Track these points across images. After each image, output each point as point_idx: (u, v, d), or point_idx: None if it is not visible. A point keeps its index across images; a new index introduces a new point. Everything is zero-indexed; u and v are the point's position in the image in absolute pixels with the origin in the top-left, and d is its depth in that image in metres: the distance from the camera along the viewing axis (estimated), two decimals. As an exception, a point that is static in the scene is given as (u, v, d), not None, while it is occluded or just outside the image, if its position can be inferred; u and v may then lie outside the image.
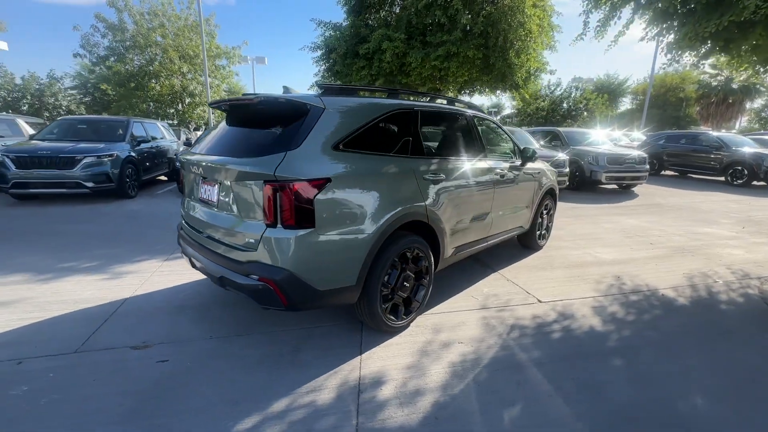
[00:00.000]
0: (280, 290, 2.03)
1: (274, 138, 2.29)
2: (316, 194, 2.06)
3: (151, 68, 16.93)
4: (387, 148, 2.55)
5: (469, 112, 3.48)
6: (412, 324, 2.75)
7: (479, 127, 3.56)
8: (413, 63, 11.54)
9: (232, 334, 2.57)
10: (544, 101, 23.05)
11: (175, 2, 17.51)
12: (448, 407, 1.93)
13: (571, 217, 6.40)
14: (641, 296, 3.36)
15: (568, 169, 8.06)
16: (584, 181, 8.71)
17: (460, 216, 3.11)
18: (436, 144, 3.33)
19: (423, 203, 2.63)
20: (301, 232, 2.04)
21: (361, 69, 11.94)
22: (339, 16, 26.63)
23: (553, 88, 23.48)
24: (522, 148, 3.98)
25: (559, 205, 6.15)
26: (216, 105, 2.76)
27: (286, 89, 2.84)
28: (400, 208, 2.45)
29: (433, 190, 2.75)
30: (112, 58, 17.10)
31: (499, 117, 28.48)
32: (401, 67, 11.90)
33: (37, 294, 3.11)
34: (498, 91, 14.21)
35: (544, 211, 4.58)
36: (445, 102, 3.40)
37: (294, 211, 2.01)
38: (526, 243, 4.56)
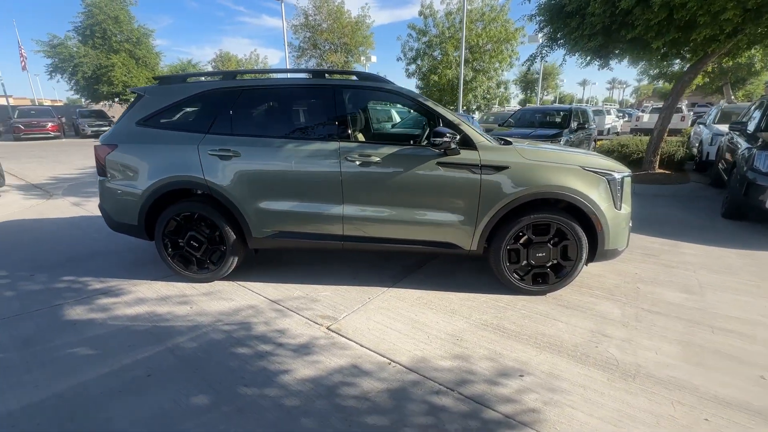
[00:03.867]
0: (102, 214, 3.21)
1: None
2: (107, 154, 3.00)
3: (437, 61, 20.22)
4: (184, 126, 2.97)
5: (337, 84, 2.92)
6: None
7: (349, 103, 2.88)
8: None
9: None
10: None
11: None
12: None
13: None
14: None
15: None
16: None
17: (272, 197, 2.89)
18: (247, 122, 3.04)
19: (201, 175, 2.86)
20: (101, 179, 3.09)
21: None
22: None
23: None
24: (437, 130, 2.67)
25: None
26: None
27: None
28: (169, 175, 2.89)
29: (217, 164, 2.85)
30: (418, 61, 21.83)
31: None
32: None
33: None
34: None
35: (532, 236, 2.78)
36: (310, 75, 3.02)
37: (97, 164, 3.08)
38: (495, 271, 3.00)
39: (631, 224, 2.97)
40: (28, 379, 2.01)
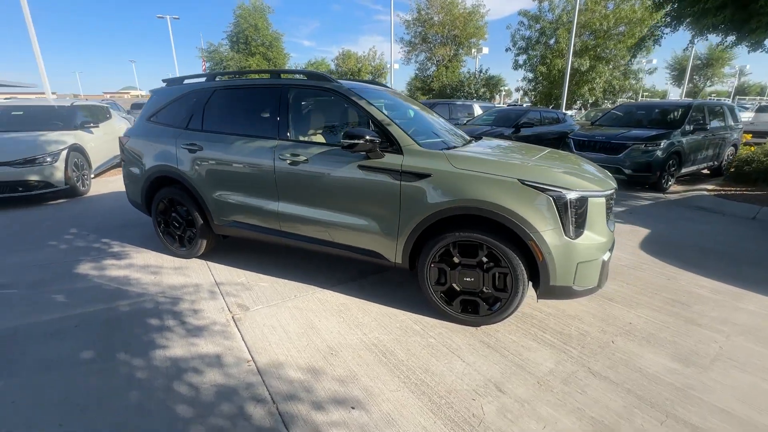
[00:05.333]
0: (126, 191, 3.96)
1: None
2: (125, 144, 3.68)
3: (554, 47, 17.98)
4: (172, 122, 3.41)
5: (287, 84, 2.97)
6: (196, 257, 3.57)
7: (294, 102, 2.89)
8: None
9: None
10: None
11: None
12: None
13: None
14: None
15: None
16: None
17: (226, 189, 3.14)
18: (214, 119, 3.25)
19: (176, 165, 3.28)
20: (123, 163, 3.79)
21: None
22: None
23: None
24: (348, 131, 2.44)
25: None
26: None
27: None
28: (156, 164, 3.39)
29: (187, 156, 3.22)
30: (529, 51, 19.81)
31: None
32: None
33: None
34: None
35: (458, 256, 2.39)
36: (269, 76, 3.12)
37: (120, 152, 3.79)
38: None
39: (606, 258, 2.29)
40: (10, 310, 2.69)
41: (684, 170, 7.20)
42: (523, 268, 2.26)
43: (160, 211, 3.57)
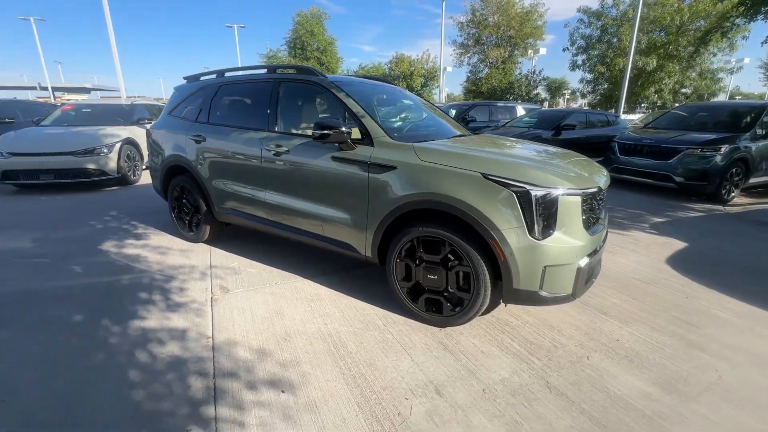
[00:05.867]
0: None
1: None
2: (149, 136, 4.05)
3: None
4: (186, 115, 3.69)
5: (279, 78, 3.08)
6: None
7: (284, 96, 2.98)
8: None
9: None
10: None
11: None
12: None
13: None
14: None
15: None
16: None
17: (223, 178, 3.32)
18: (218, 112, 3.44)
19: (185, 155, 3.54)
20: (149, 155, 4.17)
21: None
22: None
23: None
24: (317, 122, 2.48)
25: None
26: None
27: None
28: (171, 153, 3.69)
29: (193, 147, 3.46)
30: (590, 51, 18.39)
31: None
32: None
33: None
34: None
35: (422, 253, 2.32)
36: (265, 71, 3.25)
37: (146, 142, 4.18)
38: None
39: (583, 264, 2.08)
40: (37, 275, 3.08)
41: (753, 180, 6.26)
42: (485, 268, 2.12)
43: (174, 198, 3.88)
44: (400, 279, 2.46)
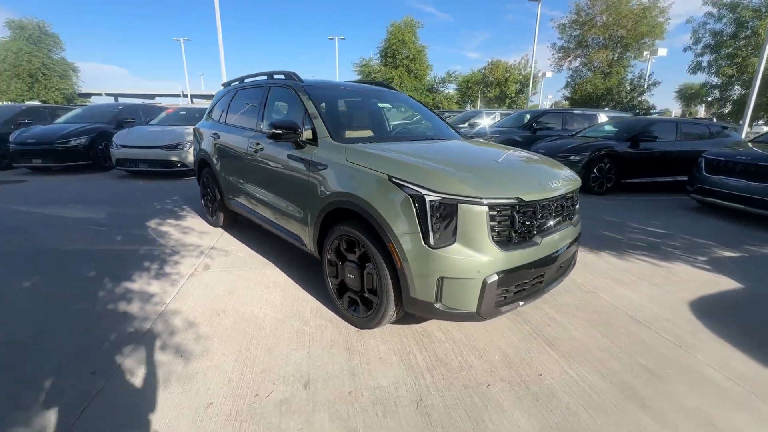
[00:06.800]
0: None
1: None
2: (194, 133, 4.76)
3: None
4: (214, 116, 4.27)
5: (272, 83, 3.38)
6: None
7: (270, 99, 3.28)
8: None
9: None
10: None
11: None
12: None
13: None
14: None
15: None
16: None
17: (228, 172, 3.77)
18: (231, 113, 3.87)
19: (207, 150, 4.10)
20: (193, 150, 4.91)
21: None
22: None
23: None
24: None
25: None
26: None
27: None
28: (200, 149, 4.31)
29: (211, 143, 4.00)
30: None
31: None
32: None
33: None
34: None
35: (344, 251, 2.36)
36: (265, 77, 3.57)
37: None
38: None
39: (491, 281, 1.89)
40: (91, 239, 3.91)
41: None
42: (387, 272, 2.07)
43: (203, 187, 4.52)
44: (331, 275, 2.53)
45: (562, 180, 2.30)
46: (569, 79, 26.43)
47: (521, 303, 2.08)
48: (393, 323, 2.41)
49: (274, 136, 2.66)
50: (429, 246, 1.89)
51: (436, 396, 1.84)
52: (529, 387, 1.91)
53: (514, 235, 1.98)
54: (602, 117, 9.97)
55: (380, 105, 3.53)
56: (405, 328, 2.42)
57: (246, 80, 4.10)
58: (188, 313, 2.55)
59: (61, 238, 3.95)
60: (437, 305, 1.94)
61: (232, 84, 4.35)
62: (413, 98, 3.85)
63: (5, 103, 22.62)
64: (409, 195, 1.92)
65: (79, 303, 2.65)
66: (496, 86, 33.70)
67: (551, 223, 2.18)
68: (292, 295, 2.85)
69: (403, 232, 1.94)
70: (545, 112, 10.31)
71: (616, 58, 23.75)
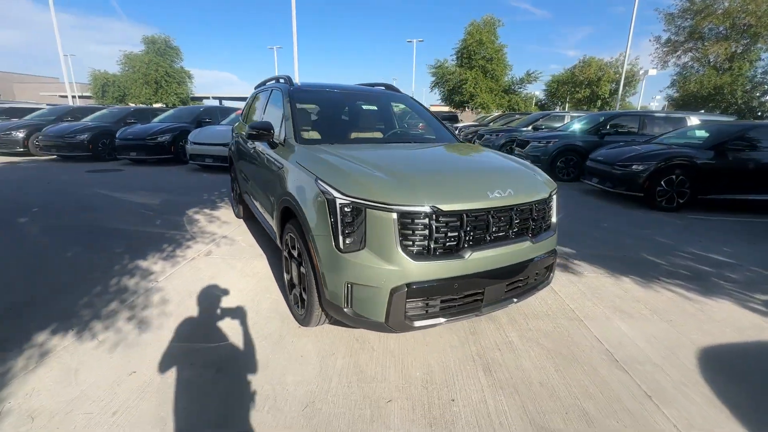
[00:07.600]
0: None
1: None
2: (232, 132, 5.27)
3: None
4: (242, 116, 4.67)
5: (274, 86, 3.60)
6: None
7: (270, 101, 3.50)
8: None
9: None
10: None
11: None
12: None
13: None
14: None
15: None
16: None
17: (240, 169, 4.10)
18: (250, 113, 4.15)
19: (231, 148, 4.52)
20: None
21: None
22: None
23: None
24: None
25: None
26: None
27: None
28: (229, 148, 4.77)
29: (233, 140, 4.38)
30: None
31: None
32: None
33: None
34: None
35: (293, 249, 2.44)
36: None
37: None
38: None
39: (401, 292, 1.80)
40: (136, 221, 4.59)
41: None
42: (312, 273, 2.09)
43: (231, 181, 4.99)
44: (285, 271, 2.63)
45: (520, 188, 2.07)
46: (675, 77, 22.90)
47: (443, 320, 1.93)
48: (336, 325, 2.41)
49: (250, 136, 2.85)
50: (339, 250, 1.87)
51: (330, 402, 1.81)
52: (432, 411, 1.78)
53: (432, 246, 1.85)
54: (693, 120, 8.47)
55: (365, 108, 3.54)
56: (345, 331, 2.40)
57: (267, 84, 4.42)
58: (168, 292, 2.87)
59: (116, 218, 4.71)
60: (346, 310, 1.91)
61: (255, 88, 4.72)
62: (417, 102, 3.76)
63: (132, 105, 27.27)
64: (326, 197, 1.92)
65: (95, 272, 3.15)
66: (587, 86, 30.60)
67: (489, 236, 1.98)
68: (263, 286, 3.02)
69: (319, 234, 1.95)
70: (618, 115, 9.13)
71: (740, 51, 19.88)
